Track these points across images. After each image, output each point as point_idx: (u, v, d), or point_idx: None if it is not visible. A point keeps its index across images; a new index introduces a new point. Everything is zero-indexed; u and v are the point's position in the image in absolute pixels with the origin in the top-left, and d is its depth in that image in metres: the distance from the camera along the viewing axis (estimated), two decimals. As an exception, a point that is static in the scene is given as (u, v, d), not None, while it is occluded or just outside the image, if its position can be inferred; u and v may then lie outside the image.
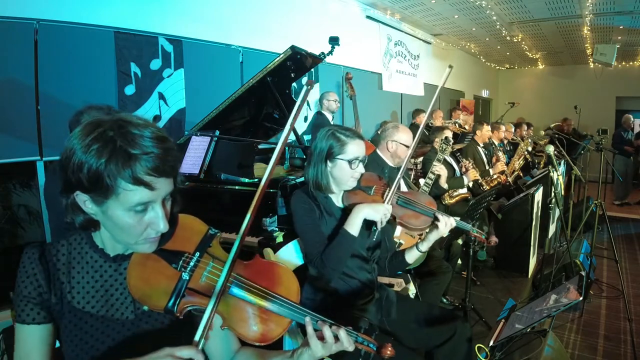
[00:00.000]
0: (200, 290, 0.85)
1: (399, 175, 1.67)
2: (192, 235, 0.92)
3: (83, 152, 0.74)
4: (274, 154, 0.92)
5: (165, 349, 0.75)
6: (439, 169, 2.86)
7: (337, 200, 1.63)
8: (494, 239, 1.69)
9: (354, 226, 1.48)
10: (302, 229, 1.56)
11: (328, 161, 1.55)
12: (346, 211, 1.59)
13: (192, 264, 0.87)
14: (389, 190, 1.64)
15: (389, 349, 0.90)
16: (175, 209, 0.90)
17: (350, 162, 1.53)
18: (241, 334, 0.86)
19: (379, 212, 1.50)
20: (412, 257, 1.67)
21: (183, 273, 0.86)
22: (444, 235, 1.63)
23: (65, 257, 0.88)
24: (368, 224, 1.58)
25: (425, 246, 1.63)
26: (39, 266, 0.86)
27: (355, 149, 1.54)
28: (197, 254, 0.89)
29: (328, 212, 1.56)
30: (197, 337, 0.78)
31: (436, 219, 1.61)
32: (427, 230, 1.66)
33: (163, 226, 0.82)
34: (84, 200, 0.80)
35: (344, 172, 1.54)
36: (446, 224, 1.59)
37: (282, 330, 0.88)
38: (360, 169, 1.56)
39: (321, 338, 0.88)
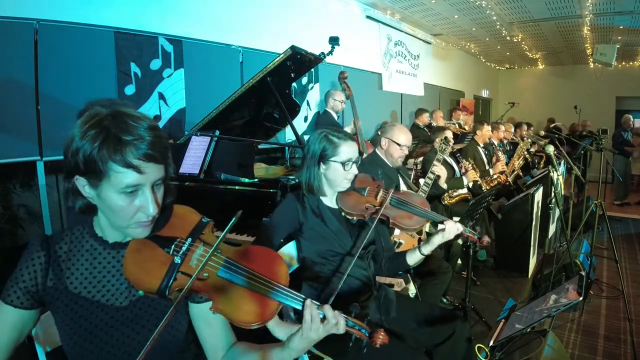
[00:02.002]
0: (191, 273, 0.87)
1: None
2: (186, 223, 0.96)
3: (80, 139, 0.81)
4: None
5: None
6: (439, 169, 2.85)
7: (331, 201, 1.64)
8: (486, 239, 1.68)
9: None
10: (268, 224, 1.61)
11: (321, 164, 1.56)
12: (338, 212, 1.62)
13: (184, 248, 0.90)
14: (385, 189, 1.67)
15: (382, 334, 0.88)
16: (168, 199, 0.95)
17: (343, 164, 1.54)
18: (229, 316, 0.88)
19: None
20: (413, 259, 1.66)
21: (175, 257, 0.89)
22: (450, 238, 1.62)
23: (67, 246, 0.93)
24: (358, 225, 1.62)
25: (427, 249, 1.61)
26: (40, 252, 0.91)
27: (347, 150, 1.56)
28: (189, 239, 0.92)
29: (315, 213, 1.57)
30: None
31: (442, 223, 1.60)
32: (427, 231, 1.67)
33: (152, 209, 0.86)
34: (83, 185, 0.86)
35: (337, 174, 1.55)
36: (456, 229, 1.57)
37: (270, 313, 0.88)
38: (354, 170, 1.57)
39: (310, 319, 0.89)
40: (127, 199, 0.84)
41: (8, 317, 0.89)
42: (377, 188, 1.69)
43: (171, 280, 0.86)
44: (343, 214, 1.61)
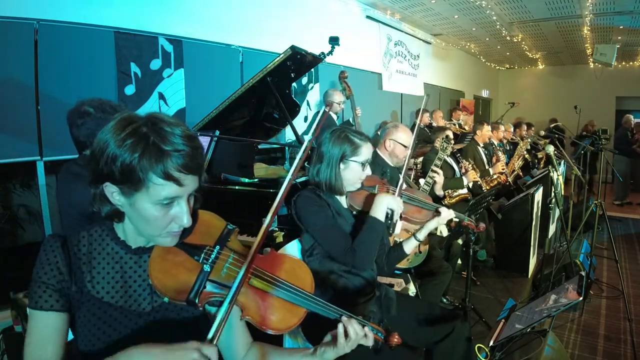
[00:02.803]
0: (221, 281, 0.88)
1: (402, 173, 1.73)
2: (211, 230, 0.95)
3: (117, 146, 0.78)
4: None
5: (193, 342, 0.75)
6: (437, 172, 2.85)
7: (343, 201, 1.66)
8: (482, 225, 1.78)
9: (379, 213, 1.54)
10: (321, 228, 1.53)
11: (341, 163, 1.57)
12: (350, 210, 1.64)
13: (213, 256, 0.90)
14: (392, 187, 1.72)
15: (396, 337, 0.95)
16: (196, 206, 0.93)
17: (362, 164, 1.57)
18: (260, 324, 0.89)
19: (399, 202, 1.58)
20: (410, 246, 1.71)
21: (205, 265, 0.88)
22: (442, 232, 1.67)
23: (86, 248, 0.90)
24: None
25: (422, 234, 1.69)
26: (61, 254, 0.87)
27: (367, 151, 1.59)
28: (217, 247, 0.92)
29: (338, 212, 1.59)
30: (211, 332, 0.78)
31: (438, 210, 1.70)
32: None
33: (187, 221, 0.85)
34: (112, 191, 0.83)
35: (354, 174, 1.57)
36: (449, 214, 1.70)
37: (298, 320, 0.91)
38: (368, 171, 1.61)
39: (347, 334, 0.92)
40: (162, 209, 0.82)
41: (49, 323, 0.84)
42: (385, 186, 1.74)
43: (201, 289, 0.86)
44: (354, 212, 1.64)
